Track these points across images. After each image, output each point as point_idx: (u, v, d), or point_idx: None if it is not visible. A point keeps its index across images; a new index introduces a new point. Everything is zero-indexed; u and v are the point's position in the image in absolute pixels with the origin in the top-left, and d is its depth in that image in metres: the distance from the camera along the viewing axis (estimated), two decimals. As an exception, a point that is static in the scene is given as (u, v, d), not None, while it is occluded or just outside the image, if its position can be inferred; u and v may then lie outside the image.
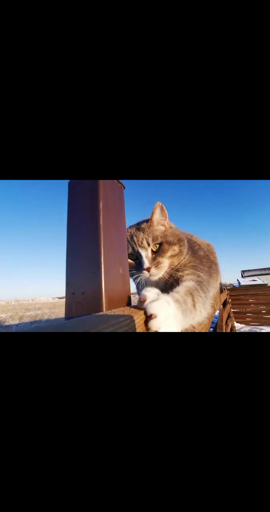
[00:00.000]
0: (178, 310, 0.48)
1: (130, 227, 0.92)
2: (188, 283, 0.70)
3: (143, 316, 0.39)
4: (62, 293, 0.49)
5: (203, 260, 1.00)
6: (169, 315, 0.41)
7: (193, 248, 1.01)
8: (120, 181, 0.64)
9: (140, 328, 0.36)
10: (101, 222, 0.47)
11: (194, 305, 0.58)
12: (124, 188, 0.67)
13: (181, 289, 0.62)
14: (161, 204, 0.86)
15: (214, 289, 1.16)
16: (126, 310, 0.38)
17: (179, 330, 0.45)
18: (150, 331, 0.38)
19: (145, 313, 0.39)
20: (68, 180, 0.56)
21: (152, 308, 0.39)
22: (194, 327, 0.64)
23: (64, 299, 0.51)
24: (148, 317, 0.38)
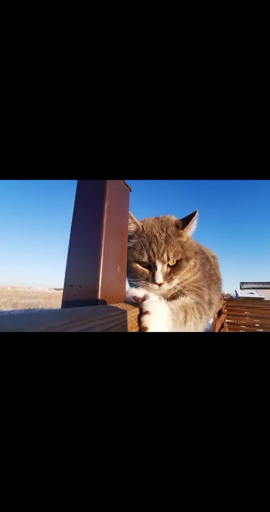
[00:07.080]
0: (170, 318, 0.52)
1: (146, 222, 0.78)
2: (186, 299, 0.69)
3: (135, 313, 0.41)
4: (59, 284, 0.51)
5: (206, 275, 0.93)
6: (162, 317, 0.44)
7: (202, 261, 0.92)
8: (127, 183, 0.67)
9: (131, 323, 0.39)
10: (105, 222, 0.50)
11: (185, 322, 0.59)
12: (130, 190, 0.69)
13: (177, 302, 0.63)
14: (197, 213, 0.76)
15: (214, 306, 1.07)
16: (120, 306, 0.40)
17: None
18: (140, 326, 0.40)
19: (140, 309, 0.42)
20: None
21: (149, 306, 0.43)
22: None
23: (61, 290, 0.54)
24: (144, 313, 0.42)
